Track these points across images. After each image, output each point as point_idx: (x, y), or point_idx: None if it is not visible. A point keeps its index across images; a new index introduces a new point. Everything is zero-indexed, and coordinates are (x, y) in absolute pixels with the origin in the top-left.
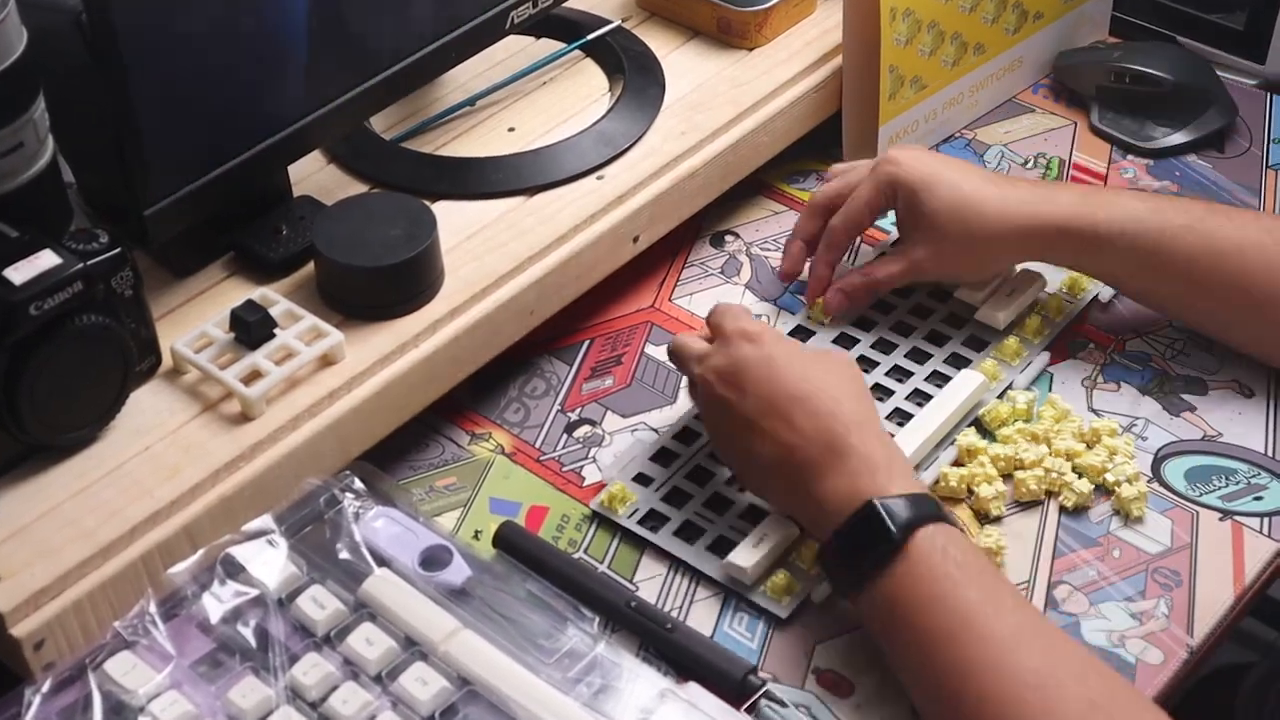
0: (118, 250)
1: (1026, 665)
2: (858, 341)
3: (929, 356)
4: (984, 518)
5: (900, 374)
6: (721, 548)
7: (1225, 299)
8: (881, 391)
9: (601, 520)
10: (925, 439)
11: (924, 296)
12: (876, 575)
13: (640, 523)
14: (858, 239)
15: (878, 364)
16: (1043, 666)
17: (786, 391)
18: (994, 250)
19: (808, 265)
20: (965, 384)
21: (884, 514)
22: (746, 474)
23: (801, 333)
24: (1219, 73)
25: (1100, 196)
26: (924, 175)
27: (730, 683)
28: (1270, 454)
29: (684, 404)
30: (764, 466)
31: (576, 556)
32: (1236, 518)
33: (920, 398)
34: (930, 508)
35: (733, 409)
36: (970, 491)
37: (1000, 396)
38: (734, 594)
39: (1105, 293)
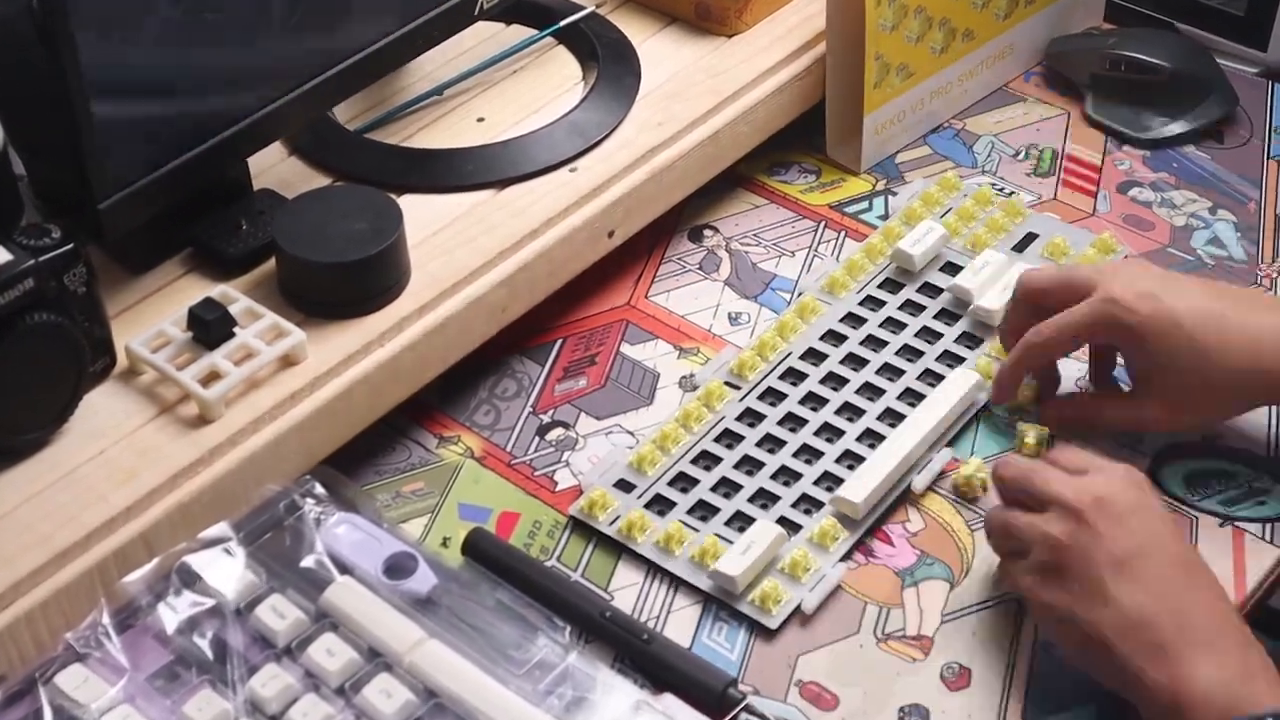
0: (70, 246)
1: None
2: (845, 339)
3: (921, 354)
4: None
5: (891, 372)
6: (707, 555)
7: None
8: (871, 391)
9: (575, 527)
10: (918, 441)
11: (914, 292)
12: None
13: (621, 531)
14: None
15: (867, 362)
16: None
17: (1171, 546)
18: (1238, 399)
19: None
20: (959, 383)
21: None
22: (1081, 625)
23: (832, 337)
24: (1218, 60)
25: None
26: (1155, 321)
27: (710, 696)
28: (1273, 456)
29: (661, 406)
30: (1116, 619)
31: (549, 564)
32: (1237, 523)
33: (912, 397)
34: None
35: (1103, 540)
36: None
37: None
38: (713, 604)
39: None
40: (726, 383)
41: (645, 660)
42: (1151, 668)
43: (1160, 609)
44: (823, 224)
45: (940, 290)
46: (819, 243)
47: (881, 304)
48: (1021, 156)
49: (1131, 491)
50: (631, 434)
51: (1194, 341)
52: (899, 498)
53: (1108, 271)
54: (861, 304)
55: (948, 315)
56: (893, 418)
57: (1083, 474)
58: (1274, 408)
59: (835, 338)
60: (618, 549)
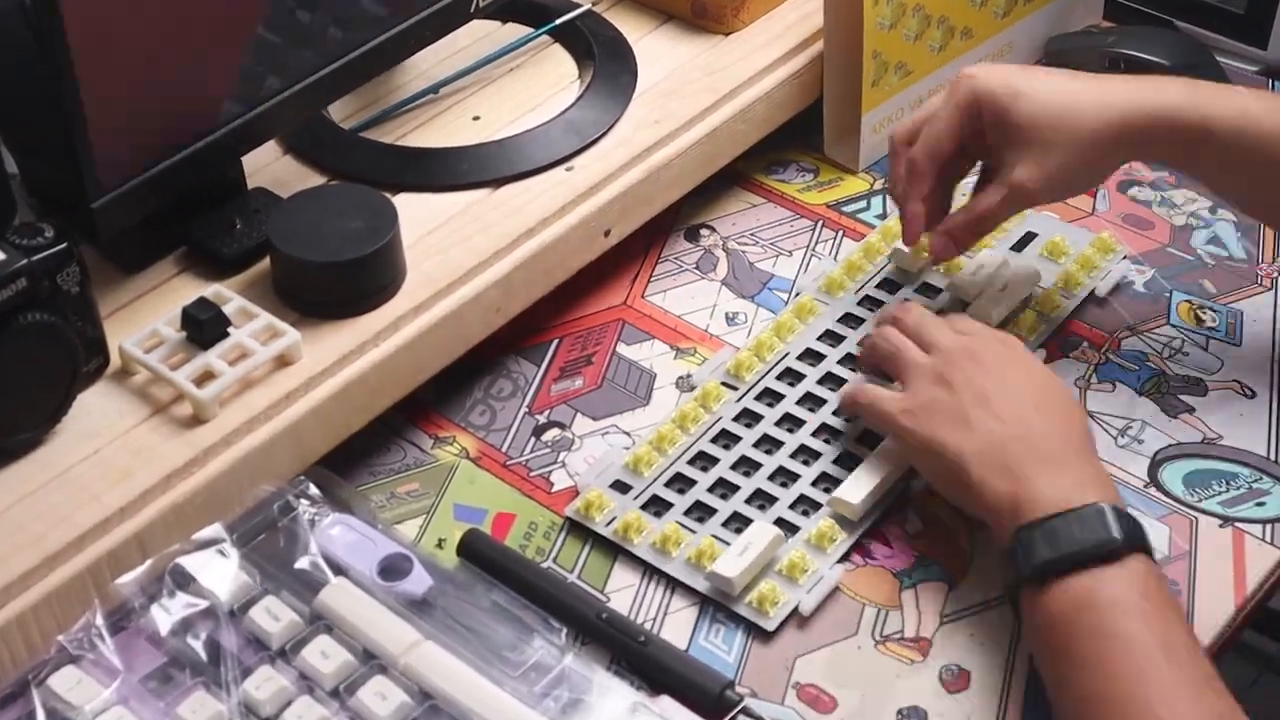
0: (64, 245)
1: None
2: (843, 339)
3: None
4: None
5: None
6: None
7: None
8: None
9: (571, 528)
10: None
11: (911, 291)
12: (1076, 573)
13: (617, 533)
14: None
15: None
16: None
17: (1043, 380)
18: (1099, 150)
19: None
20: None
21: (1113, 519)
22: (945, 451)
23: (830, 337)
24: (1218, 59)
25: (1210, 89)
26: (1009, 83)
27: (707, 698)
28: (1273, 458)
29: (658, 407)
30: (989, 438)
31: (545, 566)
32: (1238, 524)
33: None
34: (1148, 543)
35: (974, 379)
36: None
37: None
38: (710, 606)
39: (1102, 288)
40: (724, 383)
41: (642, 662)
42: (997, 482)
43: (1011, 434)
44: (820, 223)
45: (939, 290)
46: (816, 242)
47: (880, 304)
48: None
49: (999, 345)
50: (628, 435)
51: (1050, 92)
52: (897, 499)
53: (962, 73)
54: (860, 304)
55: (946, 315)
56: None
57: (965, 335)
58: (1276, 409)
59: (833, 338)
60: (614, 550)
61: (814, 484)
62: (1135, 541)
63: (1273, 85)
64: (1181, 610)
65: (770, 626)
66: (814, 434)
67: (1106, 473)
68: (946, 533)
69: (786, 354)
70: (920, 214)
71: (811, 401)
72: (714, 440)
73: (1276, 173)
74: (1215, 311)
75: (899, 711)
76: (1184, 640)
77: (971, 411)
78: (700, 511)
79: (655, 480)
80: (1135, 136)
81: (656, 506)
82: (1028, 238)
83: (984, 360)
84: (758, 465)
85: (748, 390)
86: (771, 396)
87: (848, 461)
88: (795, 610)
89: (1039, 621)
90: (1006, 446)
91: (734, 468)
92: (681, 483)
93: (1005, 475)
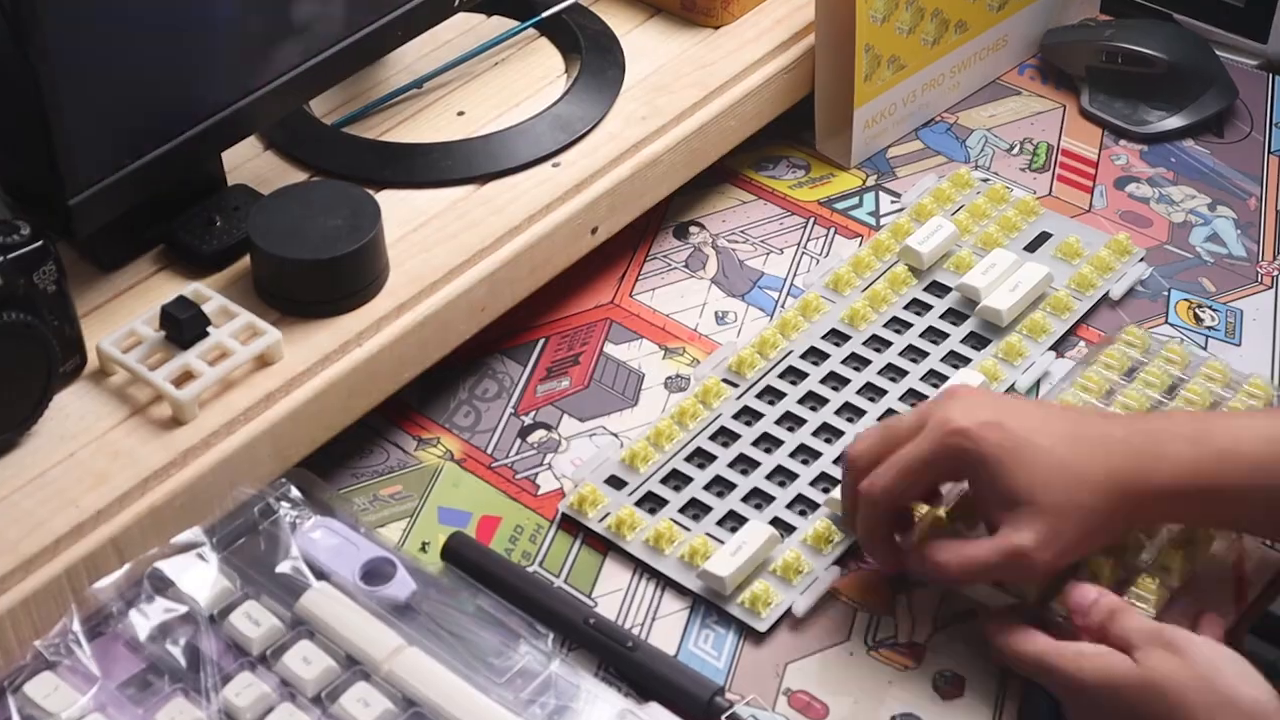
0: (40, 243)
1: None
2: (849, 339)
3: (926, 355)
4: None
5: (894, 373)
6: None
7: None
8: (873, 391)
9: (559, 530)
10: None
11: (921, 290)
12: None
13: (610, 529)
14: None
15: (870, 362)
16: None
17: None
18: (1107, 524)
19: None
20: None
21: None
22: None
23: (835, 335)
24: (1218, 52)
25: (1217, 437)
26: (1001, 449)
27: (696, 704)
28: None
29: (646, 408)
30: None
31: (531, 570)
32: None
33: (915, 398)
34: None
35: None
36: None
37: None
38: (700, 610)
39: (1116, 290)
40: (724, 380)
41: (630, 668)
42: None
43: None
44: (812, 220)
45: (949, 289)
46: (808, 239)
47: (887, 302)
48: (1016, 151)
49: (1170, 663)
50: (615, 436)
51: (1050, 473)
52: None
53: (938, 405)
54: (868, 304)
55: (954, 315)
56: None
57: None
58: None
59: (838, 337)
60: (602, 554)
61: (813, 484)
62: None
63: (1272, 80)
64: None
65: (762, 628)
66: (814, 433)
67: None
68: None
69: (790, 352)
70: (892, 554)
71: (813, 400)
72: (712, 437)
73: None
74: (1214, 310)
75: (892, 719)
76: None
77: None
78: (696, 509)
79: (651, 476)
80: (1142, 514)
81: (651, 503)
82: (1042, 237)
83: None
84: (756, 464)
85: (749, 388)
86: (773, 395)
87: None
88: (788, 612)
89: None
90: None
91: (732, 465)
92: (678, 479)
93: None
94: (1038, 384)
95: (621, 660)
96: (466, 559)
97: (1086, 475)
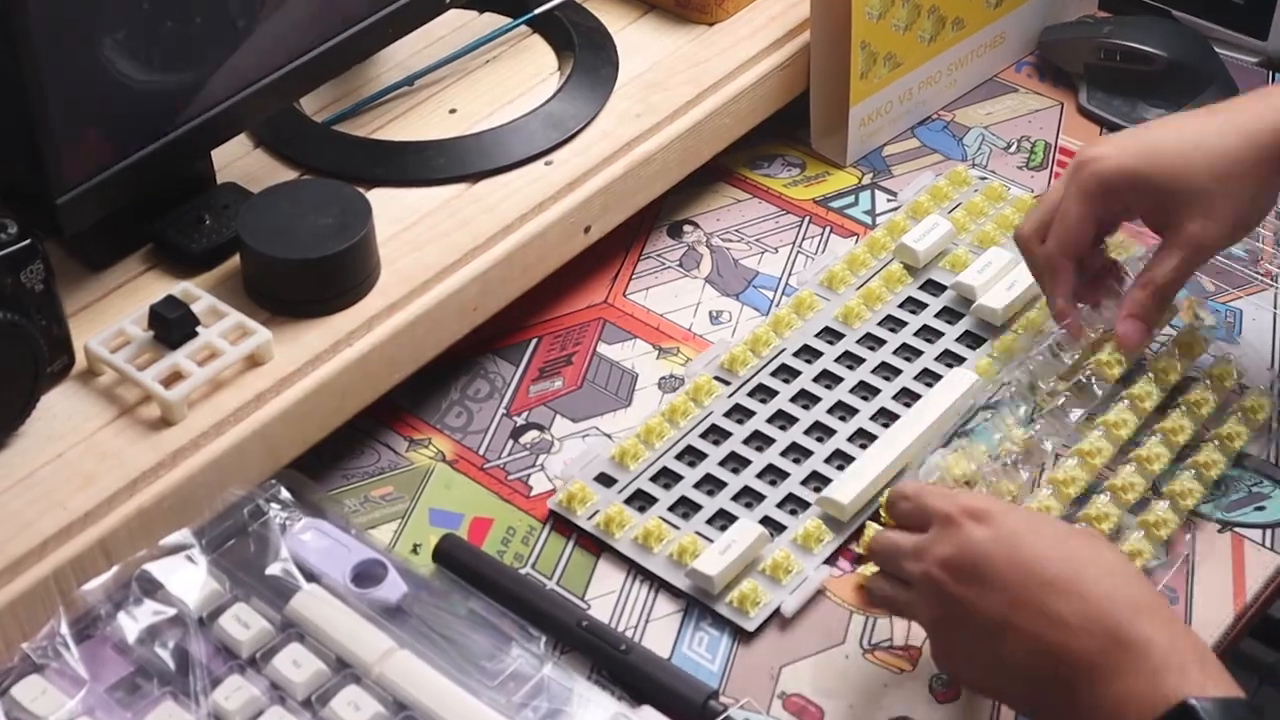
0: (27, 241)
1: None
2: (842, 337)
3: (920, 354)
4: None
5: (888, 371)
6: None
7: None
8: (866, 390)
9: (552, 531)
10: (911, 442)
11: (915, 288)
12: None
13: (599, 526)
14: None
15: (863, 360)
16: None
17: (1042, 577)
18: (1257, 181)
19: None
20: (957, 384)
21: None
22: (991, 686)
23: (828, 334)
24: (1217, 50)
25: None
26: (1134, 153)
27: (690, 708)
28: (1273, 460)
29: (639, 408)
30: (1019, 674)
31: (523, 572)
32: (1237, 529)
33: (908, 398)
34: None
35: (973, 608)
36: None
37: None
38: (693, 613)
39: None
40: (716, 378)
41: (623, 671)
42: (1064, 702)
43: (1050, 649)
44: (807, 219)
45: (944, 288)
46: (803, 238)
47: (881, 300)
48: (1013, 149)
49: (976, 534)
50: (609, 437)
51: (1183, 152)
52: None
53: (1078, 159)
54: (862, 302)
55: (949, 314)
56: (887, 418)
57: (925, 527)
58: (1274, 413)
59: (832, 335)
60: (595, 555)
61: (803, 483)
62: None
63: (1272, 77)
64: None
65: (750, 627)
66: (806, 431)
67: (1180, 634)
68: None
69: (783, 350)
70: (1070, 308)
71: (806, 398)
72: (703, 435)
73: None
74: (1214, 310)
75: None
76: None
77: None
78: (685, 507)
79: (641, 474)
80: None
81: (641, 501)
82: None
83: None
84: (747, 462)
85: (741, 385)
86: (765, 393)
87: (839, 460)
88: (779, 614)
89: None
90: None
91: (722, 464)
92: (668, 478)
93: (1061, 706)
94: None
95: (615, 663)
96: (458, 561)
97: (1225, 143)
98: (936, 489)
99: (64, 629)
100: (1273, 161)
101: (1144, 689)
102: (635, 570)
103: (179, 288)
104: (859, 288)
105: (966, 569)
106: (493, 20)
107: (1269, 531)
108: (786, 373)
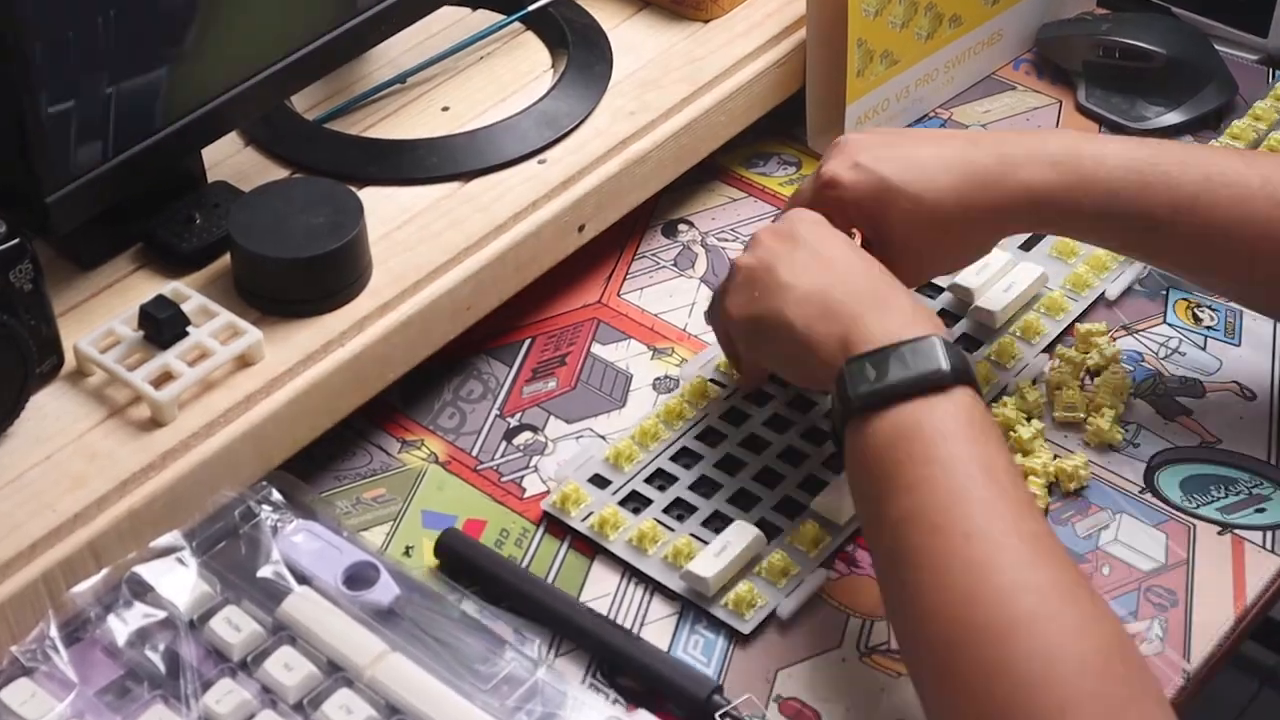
0: (16, 240)
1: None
2: None
3: None
4: None
5: None
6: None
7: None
8: None
9: (545, 533)
10: None
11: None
12: (903, 402)
13: (593, 528)
14: None
15: None
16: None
17: (840, 251)
18: (973, 242)
19: None
20: None
21: (942, 352)
22: (768, 313)
23: None
24: (1217, 47)
25: (1084, 160)
26: (874, 192)
27: (694, 701)
28: (1273, 461)
29: (634, 409)
30: (795, 300)
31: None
32: (1237, 531)
33: None
34: (975, 378)
35: (776, 248)
36: None
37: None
38: (689, 615)
39: (1112, 290)
40: (712, 380)
41: (625, 662)
42: (822, 325)
43: (831, 282)
44: None
45: (940, 289)
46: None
47: None
48: None
49: (806, 218)
50: (603, 438)
51: (914, 201)
52: None
53: (828, 155)
54: None
55: (948, 316)
56: None
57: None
58: (1277, 411)
59: None
60: (589, 556)
61: (800, 486)
62: (963, 375)
63: (1272, 74)
64: (1004, 442)
65: (746, 629)
66: (803, 435)
67: (932, 311)
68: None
69: None
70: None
71: (802, 403)
72: (699, 438)
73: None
74: (1214, 310)
75: None
76: (1005, 466)
77: (785, 275)
78: (680, 509)
79: (635, 476)
80: (1011, 225)
81: (635, 503)
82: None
83: (794, 233)
84: (743, 464)
85: (736, 388)
86: (761, 396)
87: (836, 463)
88: (775, 617)
89: (861, 451)
90: (829, 293)
91: (718, 466)
92: (662, 479)
93: (831, 319)
94: (1034, 383)
95: (619, 654)
96: (461, 555)
97: (946, 206)
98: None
99: (53, 632)
100: (1001, 231)
101: (896, 322)
102: (630, 572)
103: (169, 287)
104: None
105: (787, 230)
106: (486, 17)
107: (1269, 533)
108: None
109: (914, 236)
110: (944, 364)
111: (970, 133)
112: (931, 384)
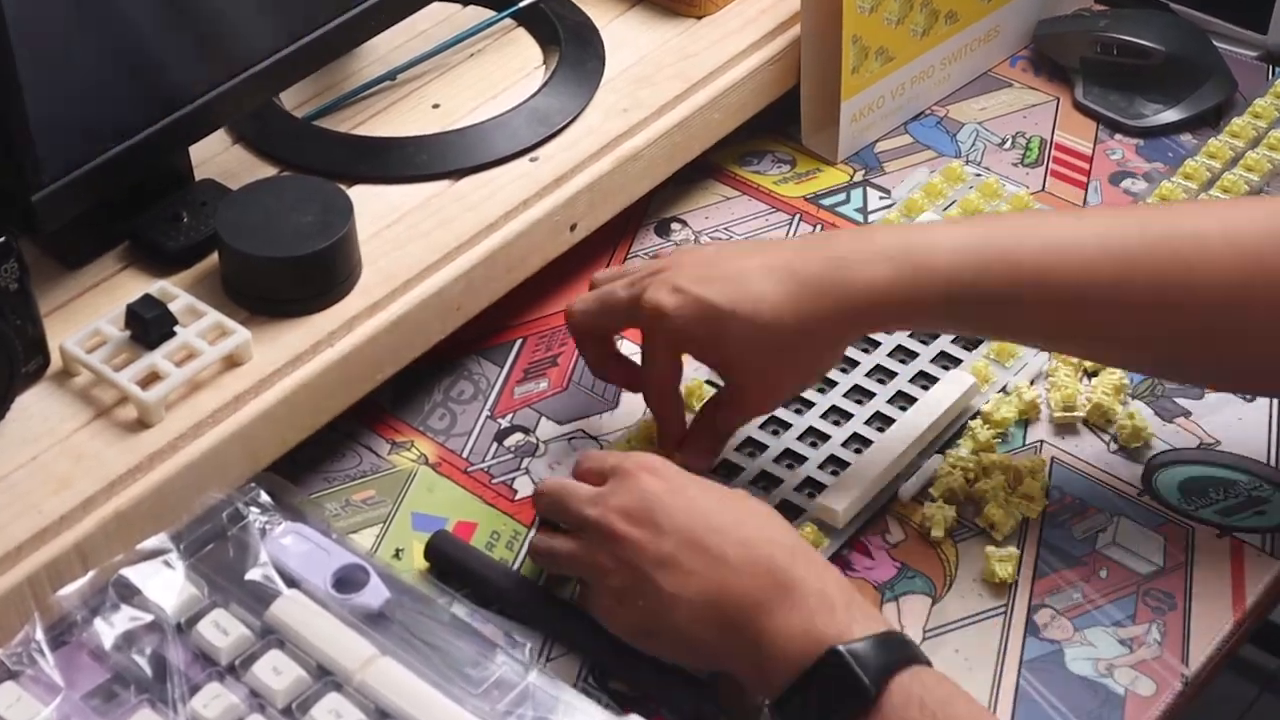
0: (1, 239)
1: None
2: None
3: (915, 356)
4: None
5: (882, 374)
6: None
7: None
8: (860, 394)
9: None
10: (906, 447)
11: None
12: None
13: None
14: None
15: (857, 364)
16: None
17: (710, 522)
18: (818, 353)
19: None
20: (953, 387)
21: (853, 663)
22: (661, 629)
23: None
24: (1216, 43)
25: (915, 252)
26: (702, 319)
27: (687, 707)
28: (1273, 464)
29: (627, 409)
30: (688, 613)
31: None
32: (1236, 534)
33: (904, 400)
34: (902, 650)
35: (644, 549)
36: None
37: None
38: None
39: None
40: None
41: (619, 664)
42: (728, 640)
43: (722, 579)
44: (798, 217)
45: None
46: (794, 237)
47: None
48: (1008, 145)
49: (651, 485)
50: (595, 440)
51: (746, 325)
52: (881, 507)
53: (647, 274)
54: None
55: None
56: (882, 422)
57: (602, 484)
58: (1276, 413)
59: None
60: None
61: (798, 489)
62: (887, 668)
63: (1272, 71)
64: (965, 696)
65: None
66: (800, 437)
67: (830, 579)
68: (929, 543)
69: None
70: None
71: (799, 403)
72: None
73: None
74: None
75: None
76: None
77: (666, 582)
78: None
79: None
80: (854, 333)
81: None
82: None
83: (648, 508)
84: (739, 469)
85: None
86: None
87: (834, 466)
88: None
89: None
90: (722, 597)
91: (714, 469)
92: None
93: (733, 631)
94: (1032, 383)
95: (612, 658)
96: (451, 558)
97: (784, 325)
98: (617, 452)
99: (39, 635)
100: (846, 338)
101: (798, 627)
102: None
103: (156, 286)
104: None
105: (642, 513)
106: (476, 14)
107: (1268, 536)
108: None
109: (754, 359)
110: (862, 677)
111: (795, 240)
112: (861, 705)
